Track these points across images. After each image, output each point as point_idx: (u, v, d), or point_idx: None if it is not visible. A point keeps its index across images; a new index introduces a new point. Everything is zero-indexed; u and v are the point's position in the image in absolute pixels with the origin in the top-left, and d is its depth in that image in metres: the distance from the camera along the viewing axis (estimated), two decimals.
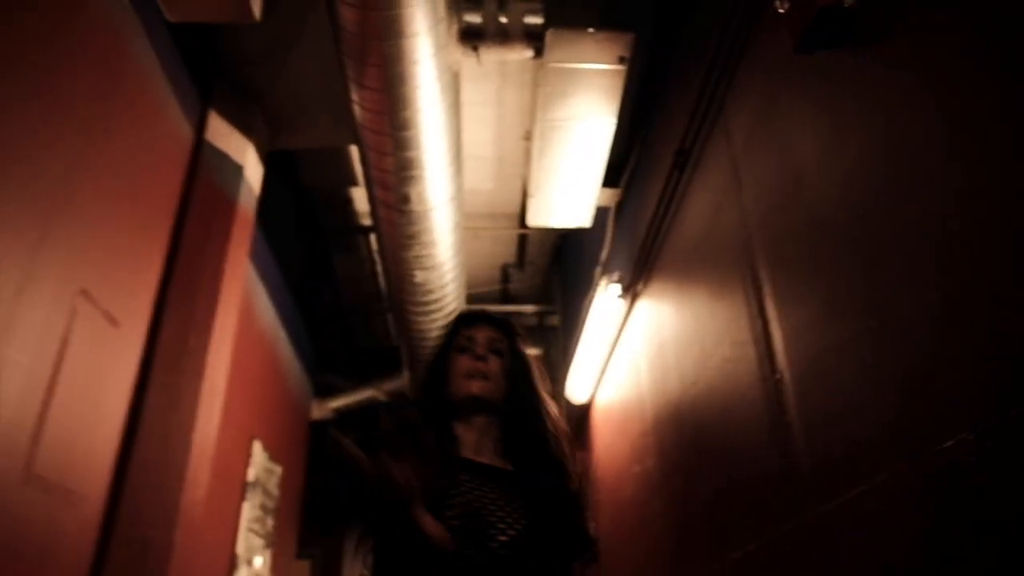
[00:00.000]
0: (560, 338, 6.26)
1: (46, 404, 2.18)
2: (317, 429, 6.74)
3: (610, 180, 3.79)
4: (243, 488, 4.14)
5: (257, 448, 4.35)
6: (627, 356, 3.65)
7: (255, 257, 4.08)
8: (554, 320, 6.81)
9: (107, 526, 2.54)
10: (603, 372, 4.16)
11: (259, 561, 4.37)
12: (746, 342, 2.10)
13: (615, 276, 3.66)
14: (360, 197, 5.30)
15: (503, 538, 1.21)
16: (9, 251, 2.02)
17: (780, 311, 1.88)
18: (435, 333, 4.73)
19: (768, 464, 1.93)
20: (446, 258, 3.85)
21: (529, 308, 6.62)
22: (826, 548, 1.60)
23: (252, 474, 4.25)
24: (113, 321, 2.59)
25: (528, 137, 3.92)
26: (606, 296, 3.62)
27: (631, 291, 3.48)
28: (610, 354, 4.00)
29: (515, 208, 5.48)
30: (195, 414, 2.88)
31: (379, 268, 6.29)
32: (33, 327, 2.13)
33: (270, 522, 4.63)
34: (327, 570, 7.15)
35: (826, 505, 1.59)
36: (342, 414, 6.70)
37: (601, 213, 4.15)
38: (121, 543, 2.54)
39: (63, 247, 2.27)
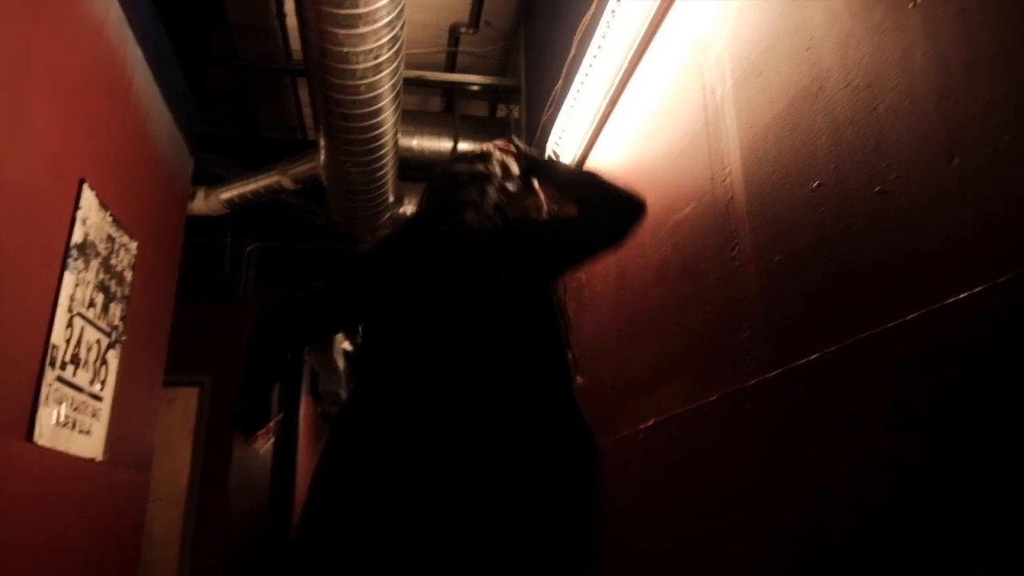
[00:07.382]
0: (522, 122, 4.89)
1: None
2: (200, 224, 5.28)
3: None
4: (64, 249, 2.74)
5: (89, 198, 2.90)
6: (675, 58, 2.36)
7: None
8: (510, 106, 5.41)
9: None
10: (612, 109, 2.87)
11: (95, 355, 3.04)
12: None
13: None
14: None
15: None
16: None
17: None
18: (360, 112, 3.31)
19: None
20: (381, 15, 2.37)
21: (477, 78, 5.10)
22: None
23: (80, 233, 2.83)
24: None
25: None
26: None
27: None
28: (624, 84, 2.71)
29: None
30: None
31: (288, 12, 4.71)
32: None
33: (116, 312, 3.26)
34: (214, 395, 5.97)
35: None
36: (238, 206, 5.25)
37: None
38: None
39: None
